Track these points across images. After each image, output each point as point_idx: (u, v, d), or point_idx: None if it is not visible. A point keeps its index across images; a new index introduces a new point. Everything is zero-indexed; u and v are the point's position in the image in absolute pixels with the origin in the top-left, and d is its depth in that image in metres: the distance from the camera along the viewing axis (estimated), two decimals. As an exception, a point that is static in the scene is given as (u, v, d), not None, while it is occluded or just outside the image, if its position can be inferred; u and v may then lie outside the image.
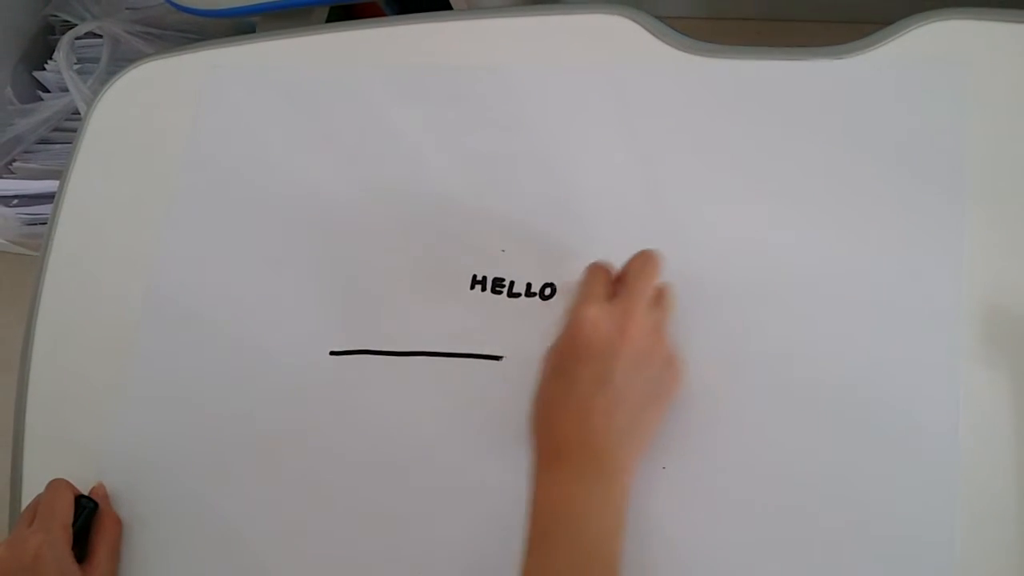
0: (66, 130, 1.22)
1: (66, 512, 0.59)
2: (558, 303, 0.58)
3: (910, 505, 0.49)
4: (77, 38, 1.18)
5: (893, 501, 0.49)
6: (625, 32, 0.64)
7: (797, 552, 0.50)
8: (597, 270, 0.53)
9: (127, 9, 1.20)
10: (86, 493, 0.62)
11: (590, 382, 0.49)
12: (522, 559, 0.48)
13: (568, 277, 0.58)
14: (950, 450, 0.49)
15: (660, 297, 0.53)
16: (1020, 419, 0.49)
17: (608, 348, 0.49)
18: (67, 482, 0.62)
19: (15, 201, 1.24)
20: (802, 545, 0.50)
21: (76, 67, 1.17)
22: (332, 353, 0.61)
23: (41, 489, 0.62)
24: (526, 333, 0.58)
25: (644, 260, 0.52)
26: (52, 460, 0.66)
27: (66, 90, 1.17)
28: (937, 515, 0.48)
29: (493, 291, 0.60)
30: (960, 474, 0.49)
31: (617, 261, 0.58)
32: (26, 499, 0.65)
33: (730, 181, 0.58)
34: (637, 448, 0.50)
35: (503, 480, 0.55)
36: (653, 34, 0.63)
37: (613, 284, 0.53)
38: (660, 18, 0.64)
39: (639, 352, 0.49)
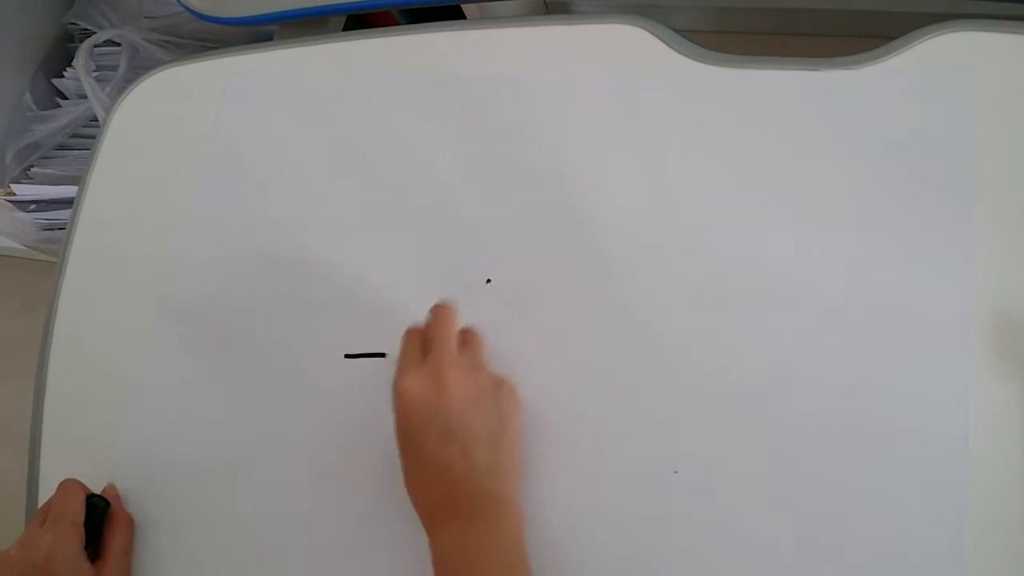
0: (84, 137, 1.23)
1: (77, 511, 0.59)
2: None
3: (919, 514, 0.49)
4: (96, 46, 1.19)
5: (902, 509, 0.49)
6: (638, 42, 0.64)
7: (804, 558, 0.50)
8: (409, 335, 0.56)
9: (146, 18, 1.21)
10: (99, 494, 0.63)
11: (435, 443, 0.51)
12: None
13: (580, 282, 0.59)
14: (960, 458, 0.49)
15: (465, 338, 0.56)
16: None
17: (435, 406, 0.51)
18: (78, 482, 0.62)
19: (33, 206, 1.25)
20: (809, 552, 0.50)
21: (95, 74, 1.18)
22: (347, 356, 0.62)
23: (56, 490, 0.62)
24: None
25: (437, 314, 0.55)
26: (69, 462, 0.66)
27: (84, 97, 1.18)
28: (946, 524, 0.48)
29: (505, 296, 0.60)
30: (970, 482, 0.49)
31: (628, 268, 0.58)
32: (43, 500, 0.65)
33: (741, 189, 0.58)
34: (509, 478, 0.52)
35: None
36: (666, 43, 0.63)
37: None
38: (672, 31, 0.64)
39: (464, 396, 0.51)
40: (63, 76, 1.25)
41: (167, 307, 0.68)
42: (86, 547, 0.59)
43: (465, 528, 0.50)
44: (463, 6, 1.01)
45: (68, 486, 0.61)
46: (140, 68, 1.16)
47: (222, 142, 0.72)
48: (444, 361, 0.52)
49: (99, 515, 0.61)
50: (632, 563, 0.52)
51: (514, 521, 0.51)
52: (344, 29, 0.80)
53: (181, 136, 0.74)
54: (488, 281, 0.60)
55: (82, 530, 0.59)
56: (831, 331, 0.54)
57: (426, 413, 0.51)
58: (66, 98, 1.26)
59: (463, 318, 0.57)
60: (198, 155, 0.72)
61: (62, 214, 1.25)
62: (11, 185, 1.22)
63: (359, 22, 0.84)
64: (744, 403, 0.54)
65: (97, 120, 1.20)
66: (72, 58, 1.21)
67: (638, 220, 0.60)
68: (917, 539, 0.49)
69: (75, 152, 1.23)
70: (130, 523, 0.62)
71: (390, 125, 0.68)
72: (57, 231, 1.29)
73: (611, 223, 0.60)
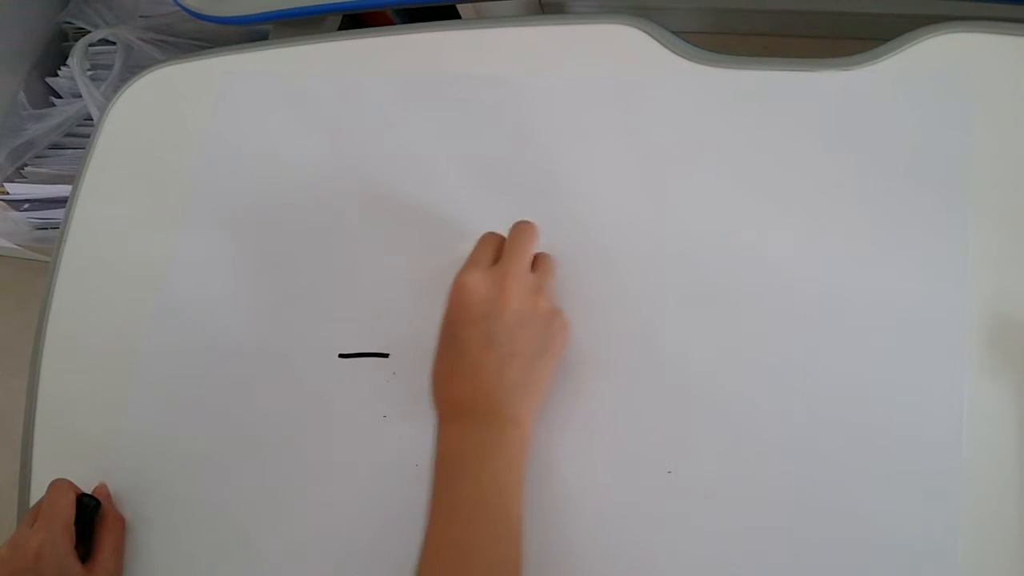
0: (78, 135, 1.23)
1: (68, 511, 0.59)
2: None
3: (912, 514, 0.49)
4: (91, 45, 1.19)
5: (895, 509, 0.49)
6: (633, 42, 0.64)
7: (797, 559, 0.50)
8: (487, 239, 0.57)
9: (140, 17, 1.21)
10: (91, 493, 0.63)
11: (477, 343, 0.51)
12: (428, 509, 0.50)
13: (575, 283, 0.59)
14: (953, 458, 0.49)
15: (540, 261, 0.57)
16: (1023, 427, 0.49)
17: (489, 309, 0.52)
18: (68, 482, 0.62)
19: (26, 205, 1.25)
20: (803, 552, 0.50)
21: (89, 73, 1.18)
22: (341, 356, 0.61)
23: (48, 490, 0.62)
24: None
25: (520, 228, 0.56)
26: (61, 462, 0.66)
27: (79, 96, 1.18)
28: (939, 524, 0.48)
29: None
30: (963, 483, 0.49)
31: (623, 267, 0.58)
32: (35, 500, 0.65)
33: (736, 189, 0.58)
34: (530, 400, 0.52)
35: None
36: (661, 44, 0.63)
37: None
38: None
39: (520, 311, 0.52)
40: (57, 75, 1.25)
41: (160, 307, 0.68)
42: (77, 546, 0.59)
43: (476, 431, 0.51)
44: (458, 6, 1.01)
45: (59, 486, 0.61)
46: (135, 67, 1.16)
47: (217, 141, 0.72)
48: (512, 271, 0.53)
49: (90, 515, 0.61)
50: (625, 562, 0.52)
51: (521, 443, 0.51)
52: (339, 29, 0.80)
53: (175, 135, 0.74)
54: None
55: (72, 529, 0.59)
56: (825, 331, 0.54)
57: (479, 312, 0.52)
58: (60, 97, 1.26)
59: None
60: (192, 154, 0.72)
61: (56, 213, 1.25)
62: (5, 184, 1.22)
63: (354, 22, 0.84)
64: (737, 402, 0.54)
65: (91, 119, 1.20)
66: (67, 57, 1.21)
67: (633, 220, 0.60)
68: (910, 538, 0.49)
69: (69, 151, 1.23)
70: (121, 523, 0.62)
71: (385, 125, 0.68)
72: (51, 230, 1.29)
73: (606, 222, 0.60)
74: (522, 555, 0.48)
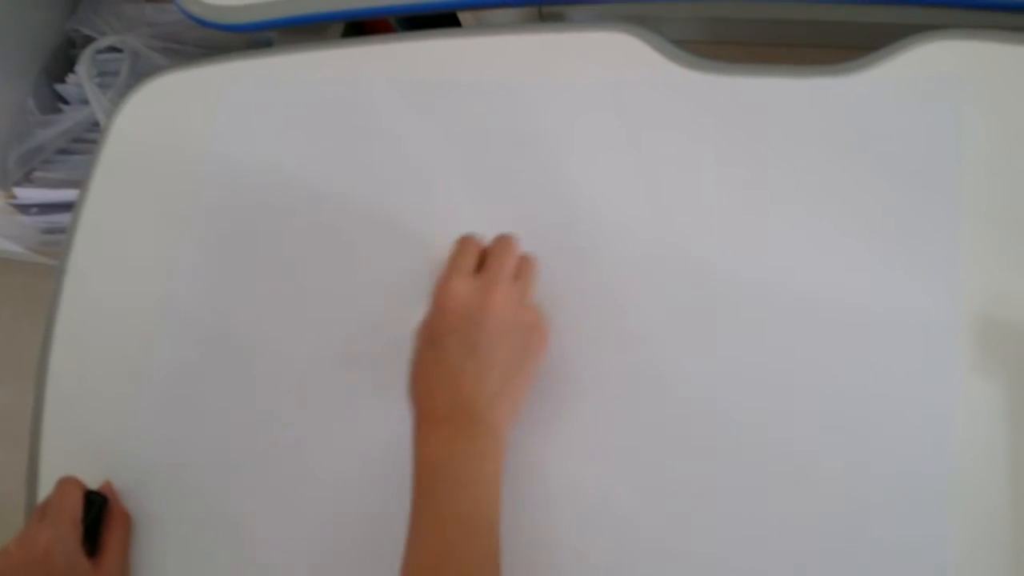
0: (86, 141, 1.24)
1: (75, 508, 0.60)
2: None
3: (902, 518, 0.50)
4: (98, 52, 1.20)
5: (887, 512, 0.50)
6: (630, 49, 0.65)
7: (791, 560, 0.51)
8: (466, 243, 0.57)
9: (147, 24, 1.22)
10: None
11: (459, 351, 0.52)
12: (409, 516, 0.50)
13: (575, 291, 0.59)
14: (944, 459, 0.50)
15: (522, 270, 0.57)
16: (1015, 429, 0.49)
17: (473, 318, 0.52)
18: (76, 479, 0.62)
19: (34, 210, 1.26)
20: (796, 554, 0.51)
21: (97, 80, 1.19)
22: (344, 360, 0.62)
23: (55, 488, 0.63)
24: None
25: (506, 241, 0.57)
26: (68, 461, 0.67)
27: (86, 102, 1.19)
28: (930, 526, 0.49)
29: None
30: (953, 484, 0.49)
31: (620, 273, 0.59)
32: (43, 497, 0.66)
33: (731, 195, 0.59)
34: (508, 409, 0.53)
35: (510, 489, 0.56)
36: (658, 51, 0.64)
37: (480, 259, 0.56)
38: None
39: (502, 321, 0.53)
40: (65, 81, 1.26)
41: (165, 309, 0.69)
42: (83, 543, 0.59)
43: (454, 436, 0.51)
44: (459, 14, 1.02)
45: (66, 483, 0.62)
46: (141, 74, 1.16)
47: (221, 147, 0.73)
48: (498, 281, 0.54)
49: (97, 512, 0.61)
50: (624, 562, 0.53)
51: (499, 452, 0.52)
52: (342, 36, 0.81)
53: (181, 141, 0.75)
54: None
55: (80, 526, 0.59)
56: (817, 334, 0.54)
57: (462, 321, 0.53)
58: (68, 103, 1.27)
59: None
60: (198, 160, 0.73)
61: (64, 217, 1.25)
62: (13, 188, 1.23)
63: (357, 29, 0.85)
64: (730, 405, 0.54)
65: (99, 125, 1.21)
66: (74, 63, 1.22)
67: (630, 227, 0.60)
68: (901, 543, 0.49)
69: (77, 156, 1.24)
70: (127, 519, 0.62)
71: (387, 130, 0.68)
72: (58, 234, 1.30)
73: (603, 229, 0.61)
74: (500, 567, 0.49)
